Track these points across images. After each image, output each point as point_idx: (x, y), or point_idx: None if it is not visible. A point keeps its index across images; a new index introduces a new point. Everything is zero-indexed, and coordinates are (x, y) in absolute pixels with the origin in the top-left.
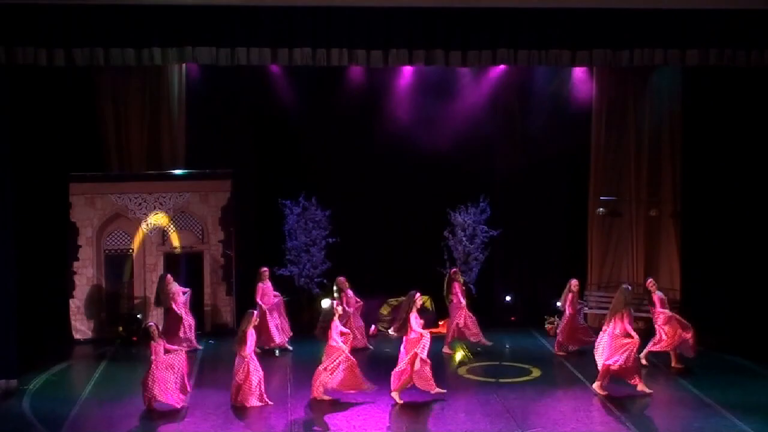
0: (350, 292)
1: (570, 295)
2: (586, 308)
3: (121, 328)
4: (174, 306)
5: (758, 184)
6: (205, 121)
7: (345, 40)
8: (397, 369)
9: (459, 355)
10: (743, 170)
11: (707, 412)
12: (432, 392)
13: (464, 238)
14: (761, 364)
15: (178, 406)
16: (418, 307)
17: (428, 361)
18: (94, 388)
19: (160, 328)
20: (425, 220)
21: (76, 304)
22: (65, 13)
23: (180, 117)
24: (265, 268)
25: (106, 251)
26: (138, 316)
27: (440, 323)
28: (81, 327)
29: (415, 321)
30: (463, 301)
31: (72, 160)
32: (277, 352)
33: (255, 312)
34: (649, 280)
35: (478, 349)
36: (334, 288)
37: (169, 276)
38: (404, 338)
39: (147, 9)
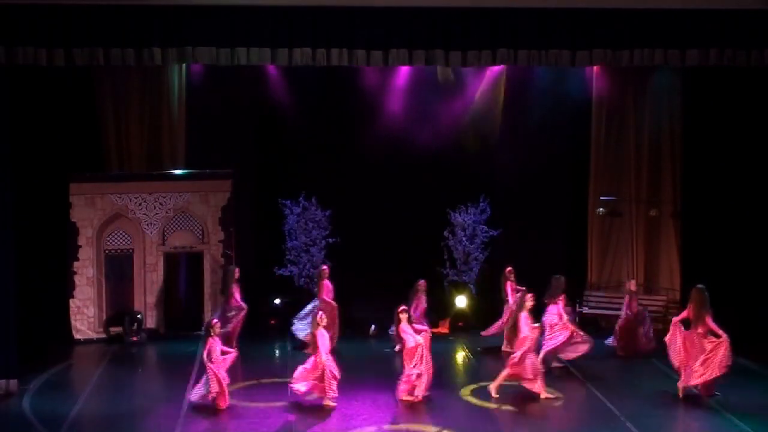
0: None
1: (626, 298)
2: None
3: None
4: (234, 299)
5: (758, 184)
6: (205, 121)
7: (345, 40)
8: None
9: (460, 355)
10: (743, 170)
11: (707, 412)
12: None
13: (464, 238)
14: (761, 365)
15: (223, 407)
16: (529, 307)
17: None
18: (94, 388)
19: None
20: (425, 220)
21: (76, 304)
22: (65, 13)
23: (180, 117)
24: (326, 266)
25: (106, 251)
26: (138, 316)
27: (441, 323)
28: (81, 327)
29: (525, 321)
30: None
31: (72, 160)
32: (277, 352)
33: (320, 312)
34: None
35: (478, 349)
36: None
37: (237, 269)
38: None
39: (147, 9)
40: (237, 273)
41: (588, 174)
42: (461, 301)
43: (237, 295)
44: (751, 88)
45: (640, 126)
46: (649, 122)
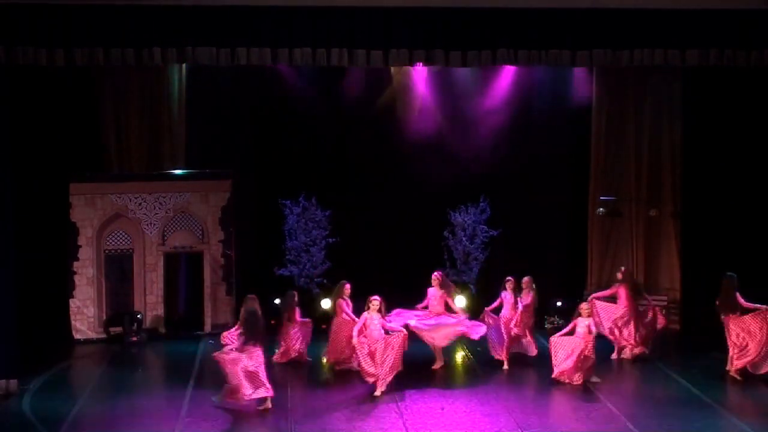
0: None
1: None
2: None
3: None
4: (344, 314)
5: (758, 184)
6: (205, 121)
7: (345, 40)
8: None
9: (459, 355)
10: (743, 170)
11: (707, 412)
12: None
13: (464, 238)
14: None
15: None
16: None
17: None
18: (94, 388)
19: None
20: (425, 220)
21: (76, 304)
22: (65, 13)
23: (180, 117)
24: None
25: (106, 251)
26: (138, 316)
27: None
28: (81, 327)
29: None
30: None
31: (72, 160)
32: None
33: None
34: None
35: (478, 349)
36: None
37: (347, 285)
38: None
39: (147, 9)
40: (347, 290)
41: (588, 174)
42: (461, 301)
43: (344, 313)
44: (751, 88)
45: (640, 126)
46: (649, 122)
